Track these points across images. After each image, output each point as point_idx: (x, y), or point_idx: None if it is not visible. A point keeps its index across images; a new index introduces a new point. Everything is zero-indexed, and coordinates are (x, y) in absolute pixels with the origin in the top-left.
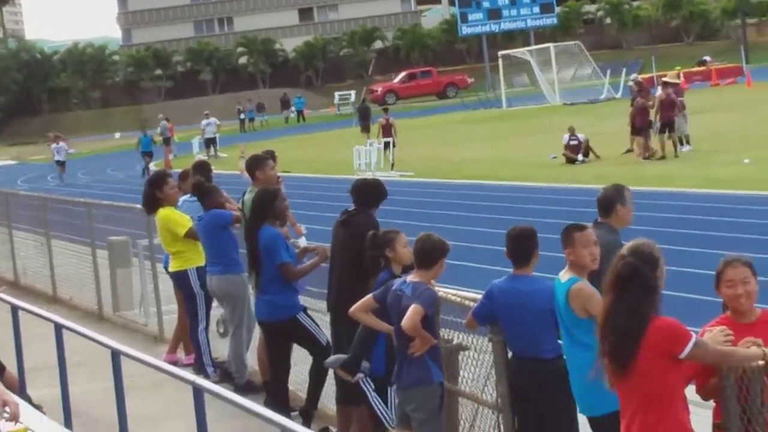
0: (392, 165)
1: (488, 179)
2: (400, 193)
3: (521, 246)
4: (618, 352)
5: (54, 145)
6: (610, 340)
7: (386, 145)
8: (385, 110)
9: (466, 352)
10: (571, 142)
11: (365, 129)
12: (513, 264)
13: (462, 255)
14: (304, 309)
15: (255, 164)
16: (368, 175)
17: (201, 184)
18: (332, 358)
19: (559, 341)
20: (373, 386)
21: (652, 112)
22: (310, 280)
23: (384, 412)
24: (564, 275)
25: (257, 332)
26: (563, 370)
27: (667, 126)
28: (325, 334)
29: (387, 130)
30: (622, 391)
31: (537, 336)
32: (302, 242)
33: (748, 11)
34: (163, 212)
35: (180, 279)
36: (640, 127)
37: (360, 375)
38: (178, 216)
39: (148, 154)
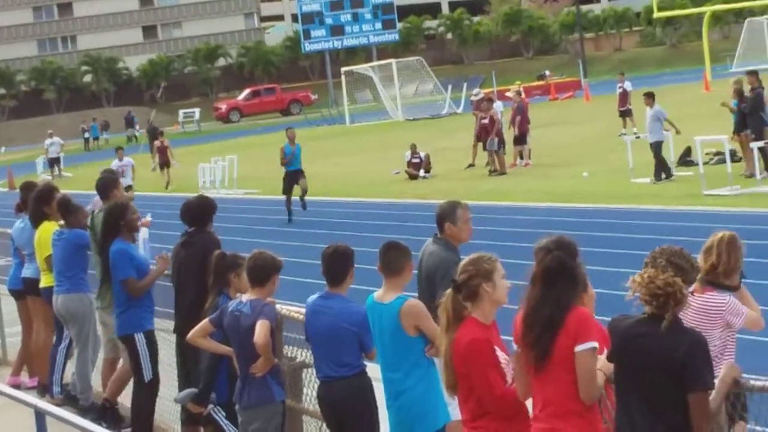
0: (167, 184)
1: (332, 196)
2: (244, 210)
3: (335, 265)
4: (540, 342)
5: None
6: (535, 331)
7: (161, 166)
8: (161, 133)
9: (310, 369)
10: (413, 160)
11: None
12: (327, 283)
13: (304, 271)
14: (150, 332)
15: (110, 184)
16: (212, 193)
17: (67, 202)
18: (182, 393)
19: (365, 361)
20: (224, 413)
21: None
22: (157, 299)
23: None
24: (387, 295)
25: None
26: (367, 385)
27: (520, 139)
28: (153, 369)
29: (163, 152)
30: (538, 382)
31: (342, 355)
32: (144, 233)
33: (586, 26)
34: (48, 226)
35: (51, 295)
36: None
37: (210, 406)
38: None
39: None
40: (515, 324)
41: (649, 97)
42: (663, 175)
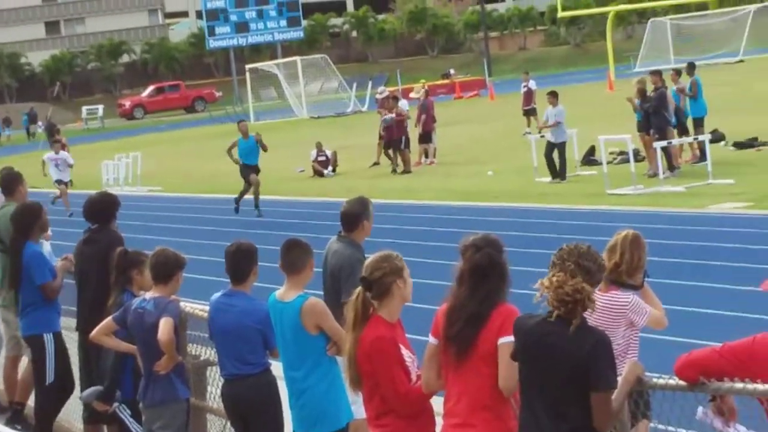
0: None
1: (236, 193)
2: (147, 207)
3: (238, 263)
4: (463, 336)
5: None
6: (458, 325)
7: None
8: (58, 131)
9: (215, 367)
10: (319, 158)
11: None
12: (230, 280)
13: (207, 269)
14: (58, 334)
15: (15, 180)
16: (116, 190)
17: None
18: (87, 392)
19: (270, 359)
20: (129, 412)
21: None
22: (59, 296)
23: None
24: (288, 293)
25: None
26: (271, 384)
27: (426, 137)
28: (57, 371)
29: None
30: (455, 377)
31: (246, 353)
32: (47, 246)
33: (491, 25)
34: None
35: None
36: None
37: (116, 404)
38: None
39: None
40: (436, 317)
41: (553, 96)
42: (557, 178)
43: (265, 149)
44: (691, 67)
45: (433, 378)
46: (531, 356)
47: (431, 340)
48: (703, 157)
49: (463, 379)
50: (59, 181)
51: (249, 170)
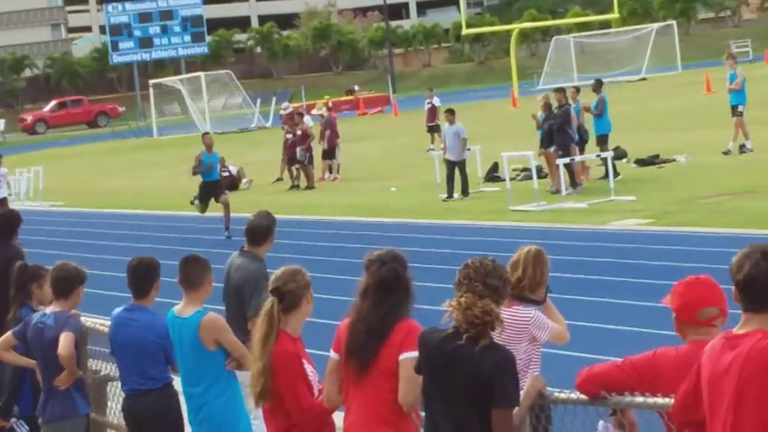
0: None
1: (138, 208)
2: (48, 222)
3: (140, 277)
4: (365, 351)
5: None
6: (360, 339)
7: None
8: None
9: (115, 383)
10: (223, 173)
11: None
12: (132, 295)
13: (108, 284)
14: None
15: None
16: (17, 205)
17: None
18: None
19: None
20: (27, 428)
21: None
22: None
23: None
24: (186, 309)
25: None
26: (173, 398)
27: (329, 153)
28: None
29: None
30: (356, 391)
31: (148, 368)
32: None
33: (395, 41)
34: None
35: None
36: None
37: (13, 419)
38: None
39: None
40: (338, 332)
41: (451, 113)
42: (455, 194)
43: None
44: (599, 84)
45: (334, 393)
46: (435, 371)
47: (332, 355)
48: (608, 173)
49: (364, 393)
50: None
51: (211, 187)
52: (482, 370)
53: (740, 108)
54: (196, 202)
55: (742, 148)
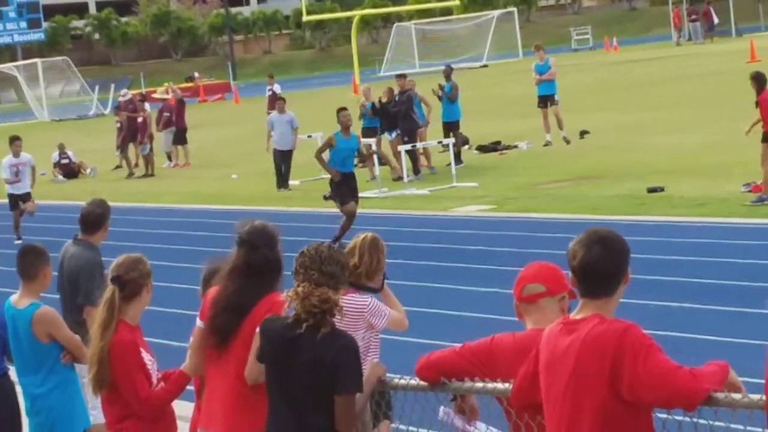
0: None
1: None
2: None
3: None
4: (226, 326)
5: None
6: (224, 316)
7: None
8: None
9: None
10: (62, 161)
11: None
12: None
13: None
14: None
15: None
16: None
17: None
18: None
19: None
20: None
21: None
22: None
23: None
24: (21, 300)
25: None
26: (9, 389)
27: (180, 138)
28: None
29: None
30: (214, 366)
31: None
32: None
33: (236, 28)
34: None
35: None
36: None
37: None
38: None
39: None
40: (204, 300)
41: (283, 101)
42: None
43: None
44: (450, 70)
45: (200, 363)
46: (277, 359)
47: (198, 323)
48: (457, 160)
49: (224, 367)
50: None
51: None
52: (324, 357)
53: (557, 97)
54: None
55: (547, 144)
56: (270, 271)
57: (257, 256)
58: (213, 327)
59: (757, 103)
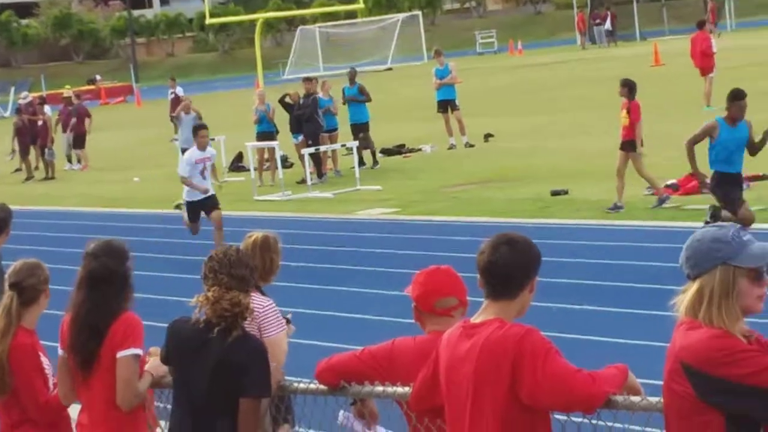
0: None
1: None
2: None
3: None
4: (86, 348)
5: None
6: (81, 336)
7: None
8: None
9: None
10: None
11: None
12: None
13: None
14: None
15: None
16: None
17: None
18: None
19: None
20: None
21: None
22: None
23: None
24: None
25: None
26: None
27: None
28: None
29: None
30: (84, 388)
31: None
32: None
33: (138, 31)
34: None
35: None
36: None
37: None
38: None
39: None
40: (62, 328)
41: (190, 102)
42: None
43: None
44: (355, 73)
45: (68, 390)
46: (184, 362)
47: (60, 352)
48: (362, 162)
49: (91, 390)
50: None
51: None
52: (233, 360)
53: (457, 102)
54: None
55: (451, 147)
56: (112, 283)
57: (98, 265)
58: (72, 348)
59: (629, 110)
